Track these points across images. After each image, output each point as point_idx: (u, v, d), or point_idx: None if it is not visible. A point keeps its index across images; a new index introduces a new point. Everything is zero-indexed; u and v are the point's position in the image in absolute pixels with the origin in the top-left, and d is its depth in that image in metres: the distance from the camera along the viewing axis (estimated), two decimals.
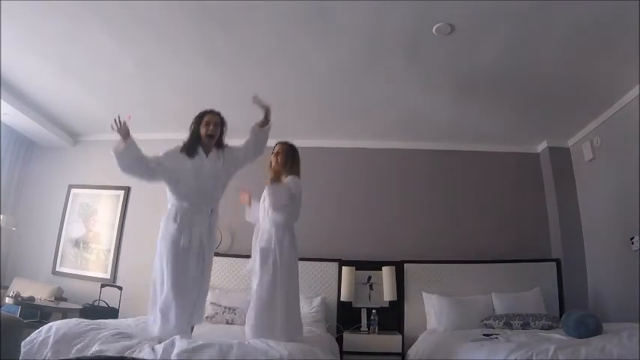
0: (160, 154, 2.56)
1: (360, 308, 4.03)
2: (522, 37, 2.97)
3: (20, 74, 3.79)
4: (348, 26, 2.96)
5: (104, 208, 4.77)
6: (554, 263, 4.15)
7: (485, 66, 3.33)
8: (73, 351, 2.01)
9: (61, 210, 4.79)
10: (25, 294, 3.67)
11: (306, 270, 4.11)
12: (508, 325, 3.39)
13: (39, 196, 4.85)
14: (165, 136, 3.96)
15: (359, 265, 4.16)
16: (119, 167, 2.54)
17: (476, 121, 4.27)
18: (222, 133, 2.69)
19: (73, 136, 5.04)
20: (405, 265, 4.18)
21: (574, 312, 2.84)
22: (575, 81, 3.47)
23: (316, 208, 4.30)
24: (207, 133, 2.60)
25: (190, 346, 1.96)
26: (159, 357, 1.94)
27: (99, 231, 4.72)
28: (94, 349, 1.98)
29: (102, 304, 4.03)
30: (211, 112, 2.67)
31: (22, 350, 2.12)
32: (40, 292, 3.96)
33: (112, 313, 3.90)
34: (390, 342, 3.70)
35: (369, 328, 3.86)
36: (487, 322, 3.52)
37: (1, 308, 3.46)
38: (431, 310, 3.87)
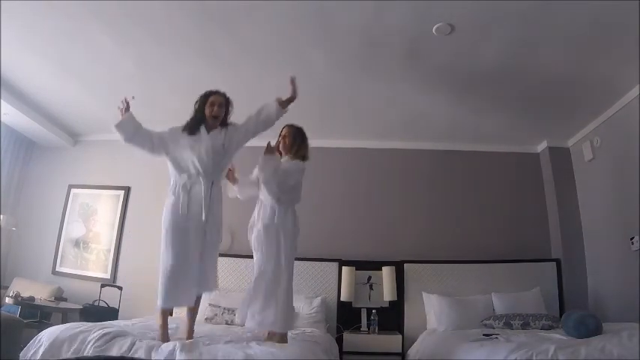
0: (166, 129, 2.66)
1: (360, 308, 4.04)
2: (522, 37, 2.97)
3: (20, 74, 3.79)
4: (348, 26, 2.96)
5: (104, 208, 4.77)
6: (554, 263, 4.15)
7: (485, 66, 3.33)
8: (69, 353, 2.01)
9: (61, 210, 4.79)
10: (25, 294, 3.67)
11: (306, 270, 4.12)
12: (508, 325, 3.39)
13: (39, 196, 4.85)
14: None
15: (359, 265, 4.16)
16: (123, 139, 2.64)
17: (476, 121, 4.27)
18: (227, 112, 2.71)
19: (73, 136, 5.04)
20: (405, 265, 4.18)
21: (574, 312, 2.84)
22: (575, 81, 3.47)
23: (316, 208, 4.30)
24: (211, 114, 2.61)
25: None
26: (159, 357, 1.94)
27: (99, 231, 4.72)
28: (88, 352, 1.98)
29: (102, 304, 4.03)
30: (217, 93, 2.68)
31: None
32: (40, 292, 3.96)
33: (112, 313, 3.90)
34: (390, 342, 3.70)
35: (369, 328, 3.86)
36: (487, 322, 3.52)
37: (1, 308, 3.46)
38: (431, 310, 3.88)
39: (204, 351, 2.00)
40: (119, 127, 2.63)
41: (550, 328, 3.23)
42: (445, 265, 4.17)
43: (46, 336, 2.14)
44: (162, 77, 3.72)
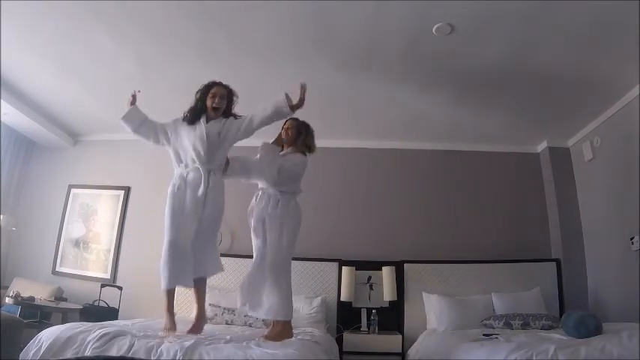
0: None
1: (360, 308, 4.03)
2: (522, 37, 2.97)
3: (20, 74, 3.79)
4: (348, 26, 2.96)
5: (104, 208, 4.77)
6: (554, 263, 4.15)
7: (485, 66, 3.33)
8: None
9: (61, 210, 4.79)
10: (25, 294, 3.67)
11: (306, 270, 4.11)
12: (508, 325, 3.39)
13: (39, 196, 4.85)
14: None
15: (359, 265, 4.16)
16: (130, 129, 2.75)
17: (476, 121, 4.27)
18: (231, 102, 2.75)
19: (73, 136, 5.04)
20: (405, 265, 4.17)
21: (574, 312, 2.84)
22: (575, 81, 3.47)
23: (316, 208, 4.29)
24: (213, 106, 2.65)
25: None
26: (159, 357, 1.94)
27: (99, 231, 4.72)
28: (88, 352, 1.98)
29: (102, 304, 4.03)
30: (219, 85, 2.71)
31: None
32: (40, 292, 3.96)
33: (112, 313, 3.90)
34: (390, 342, 3.70)
35: (369, 328, 3.86)
36: (487, 322, 3.52)
37: (1, 308, 3.46)
38: (431, 310, 3.88)
39: (204, 352, 2.00)
40: (126, 118, 2.73)
41: (550, 328, 3.23)
42: (445, 265, 4.17)
43: (46, 336, 2.14)
44: (162, 77, 3.72)
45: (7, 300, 3.61)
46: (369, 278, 4.20)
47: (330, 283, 4.12)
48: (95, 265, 4.60)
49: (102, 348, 2.03)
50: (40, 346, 2.09)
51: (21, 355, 2.14)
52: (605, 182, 3.95)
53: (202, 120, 2.65)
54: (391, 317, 4.05)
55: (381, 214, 4.56)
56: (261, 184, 2.88)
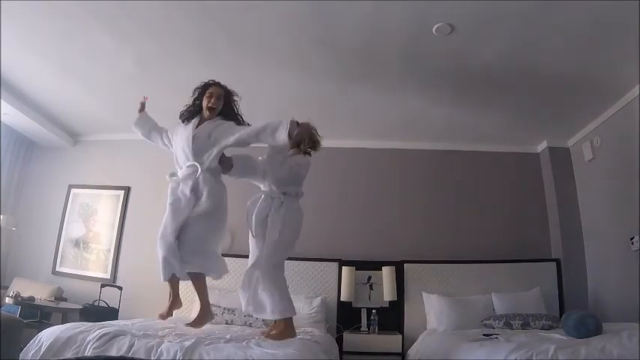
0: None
1: (360, 308, 4.03)
2: (522, 37, 2.97)
3: (20, 74, 3.79)
4: (348, 26, 2.96)
5: (104, 208, 4.77)
6: (554, 263, 4.15)
7: (485, 66, 3.33)
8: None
9: (61, 210, 4.79)
10: (25, 294, 3.67)
11: (306, 270, 4.12)
12: (508, 325, 3.39)
13: (39, 196, 4.85)
14: None
15: (359, 265, 4.16)
16: (141, 135, 2.92)
17: (476, 121, 4.27)
18: (230, 103, 2.75)
19: (73, 136, 5.04)
20: (405, 265, 4.17)
21: (574, 312, 2.83)
22: (575, 81, 3.47)
23: (316, 208, 4.29)
24: (208, 106, 2.66)
25: None
26: (159, 357, 1.94)
27: (99, 231, 4.72)
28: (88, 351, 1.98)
29: (102, 304, 4.03)
30: (216, 85, 2.72)
31: None
32: (40, 292, 3.96)
33: (112, 313, 3.90)
34: (390, 342, 3.70)
35: (369, 328, 3.86)
36: (487, 322, 3.52)
37: (1, 308, 3.46)
38: (431, 310, 3.88)
39: (204, 351, 2.00)
40: (137, 124, 2.89)
41: (550, 328, 3.23)
42: (445, 265, 4.17)
43: (46, 336, 2.14)
44: (162, 77, 3.72)
45: (7, 300, 3.61)
46: (369, 278, 4.20)
47: (330, 283, 4.12)
48: (95, 265, 4.60)
49: (102, 348, 2.03)
50: (40, 346, 2.09)
51: (21, 355, 2.14)
52: (605, 182, 3.94)
53: (194, 121, 2.68)
54: (391, 317, 4.05)
55: (381, 214, 4.56)
56: (263, 187, 2.86)
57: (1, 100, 3.93)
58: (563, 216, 4.32)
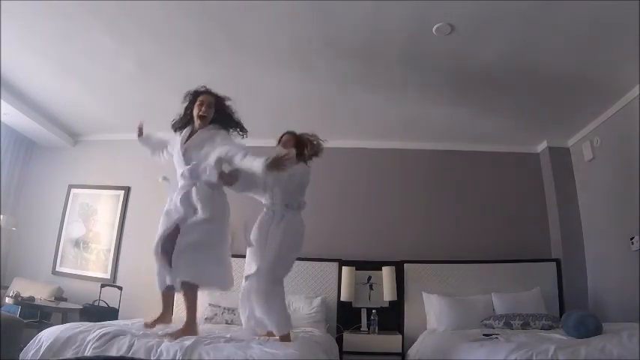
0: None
1: (360, 308, 4.03)
2: (522, 37, 2.97)
3: (20, 74, 3.79)
4: (348, 26, 2.96)
5: (104, 208, 4.78)
6: (554, 263, 4.15)
7: (485, 66, 3.33)
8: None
9: (61, 210, 4.79)
10: (25, 294, 3.67)
11: (306, 270, 4.11)
12: (508, 325, 3.39)
13: (39, 196, 4.85)
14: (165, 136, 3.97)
15: (359, 265, 4.16)
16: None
17: (476, 121, 4.27)
18: (224, 108, 2.66)
19: (73, 136, 5.04)
20: (405, 265, 4.18)
21: (574, 312, 2.84)
22: (575, 81, 3.47)
23: (316, 208, 4.27)
24: (198, 114, 2.59)
25: None
26: (159, 357, 1.94)
27: (99, 231, 4.72)
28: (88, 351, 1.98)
29: (102, 304, 4.03)
30: (205, 92, 2.65)
31: None
32: (40, 292, 3.96)
33: (112, 313, 3.90)
34: (390, 342, 3.70)
35: (369, 328, 3.86)
36: (487, 322, 3.52)
37: (1, 308, 3.46)
38: (431, 310, 3.88)
39: (204, 351, 2.00)
40: (142, 144, 2.89)
41: (550, 328, 3.23)
42: (445, 265, 4.17)
43: (46, 336, 2.13)
44: (162, 77, 3.72)
45: (7, 300, 3.61)
46: (369, 278, 4.20)
47: (330, 283, 4.12)
48: (95, 265, 4.60)
49: (102, 348, 2.03)
50: (40, 346, 2.09)
51: (21, 355, 2.14)
52: (605, 182, 3.94)
53: (184, 132, 2.61)
54: (391, 317, 4.05)
55: (381, 214, 4.56)
56: (264, 200, 2.84)
57: (1, 100, 3.93)
58: (563, 216, 4.32)
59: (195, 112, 2.61)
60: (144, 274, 4.02)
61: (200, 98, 2.62)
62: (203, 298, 3.58)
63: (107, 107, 4.32)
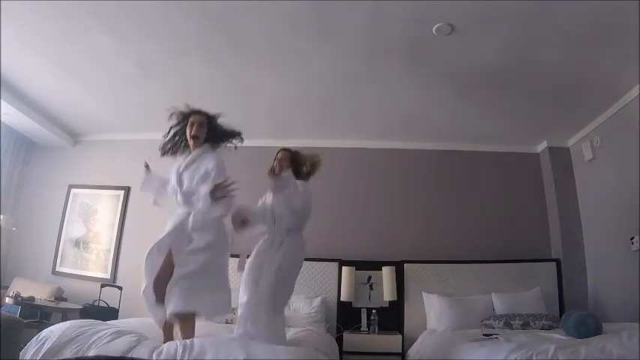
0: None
1: (360, 308, 4.04)
2: (522, 37, 2.97)
3: (20, 74, 3.79)
4: (348, 26, 2.96)
5: (104, 208, 4.78)
6: (554, 263, 4.15)
7: (485, 66, 3.33)
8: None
9: (61, 210, 4.80)
10: (25, 294, 3.67)
11: (306, 270, 4.10)
12: (508, 325, 3.39)
13: (39, 196, 4.85)
14: None
15: (359, 265, 4.16)
16: (153, 203, 2.84)
17: (476, 121, 4.27)
18: (216, 127, 2.61)
19: (73, 136, 5.04)
20: (405, 265, 4.18)
21: (574, 312, 2.84)
22: (575, 81, 3.47)
23: (316, 208, 4.26)
24: (191, 135, 2.55)
25: None
26: (159, 357, 1.94)
27: (99, 231, 4.72)
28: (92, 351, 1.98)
29: (102, 304, 4.03)
30: (196, 113, 2.60)
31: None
32: (40, 292, 3.96)
33: (112, 313, 3.90)
34: (390, 342, 3.70)
35: (369, 328, 3.86)
36: (487, 322, 3.52)
37: (1, 308, 3.46)
38: (431, 310, 3.88)
39: (204, 350, 2.00)
40: (142, 189, 2.84)
41: (550, 328, 3.23)
42: (445, 265, 4.17)
43: (47, 335, 2.13)
44: (162, 77, 3.72)
45: (7, 300, 3.61)
46: (369, 278, 4.20)
47: (330, 283, 4.12)
48: (95, 265, 4.60)
49: (102, 347, 2.03)
50: (41, 345, 2.09)
51: (21, 355, 2.14)
52: (605, 182, 3.94)
53: (180, 160, 2.58)
54: (391, 317, 4.05)
55: (381, 214, 4.56)
56: (264, 228, 2.82)
57: (1, 100, 3.93)
58: (563, 216, 4.32)
59: (187, 133, 2.56)
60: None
61: (190, 119, 2.56)
62: None
63: (107, 107, 4.32)
